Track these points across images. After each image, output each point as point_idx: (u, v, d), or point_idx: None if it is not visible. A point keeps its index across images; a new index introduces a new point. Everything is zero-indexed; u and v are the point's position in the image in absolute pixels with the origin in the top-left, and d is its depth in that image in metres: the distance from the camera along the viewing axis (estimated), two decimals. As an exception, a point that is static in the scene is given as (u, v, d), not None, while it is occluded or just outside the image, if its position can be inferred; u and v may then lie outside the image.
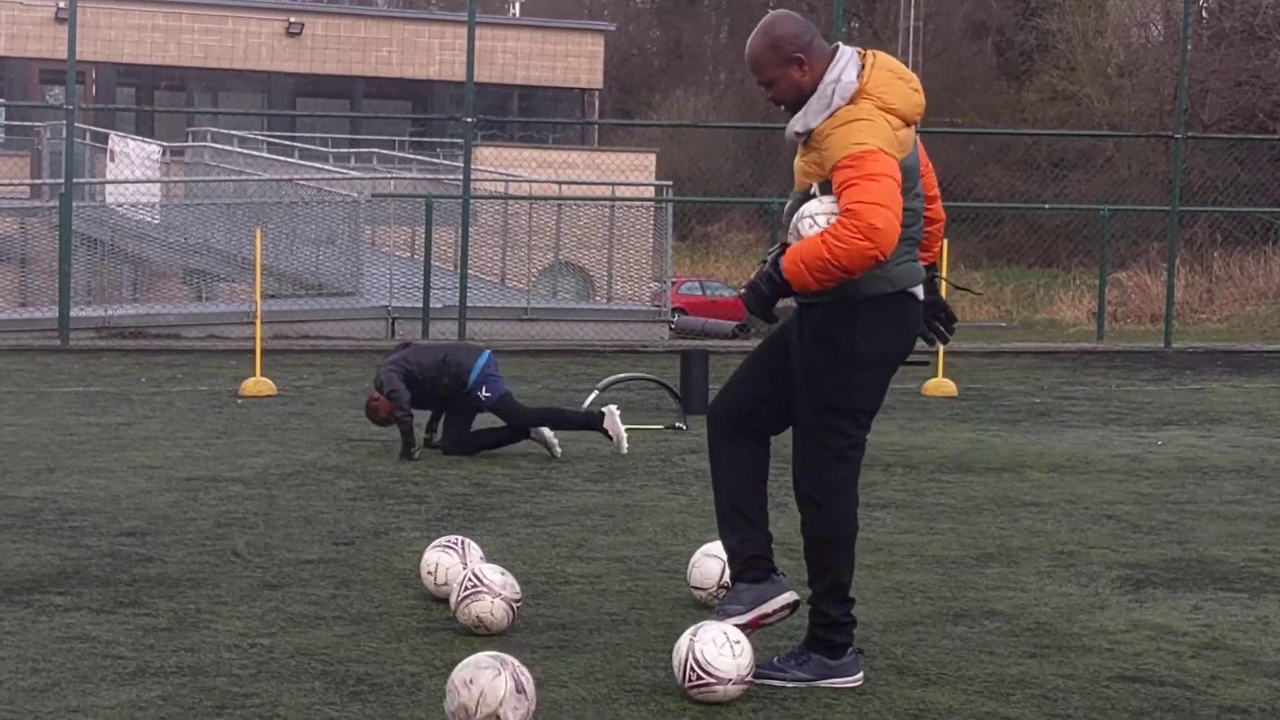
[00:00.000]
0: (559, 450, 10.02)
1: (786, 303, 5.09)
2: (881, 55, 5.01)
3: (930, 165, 5.19)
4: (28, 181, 27.10)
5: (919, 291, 5.05)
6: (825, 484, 5.04)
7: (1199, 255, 33.36)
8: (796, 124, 5.01)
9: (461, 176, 21.03)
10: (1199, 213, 31.02)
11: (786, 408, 5.17)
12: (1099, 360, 19.72)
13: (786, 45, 5.00)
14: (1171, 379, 16.98)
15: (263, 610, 5.82)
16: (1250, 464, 10.23)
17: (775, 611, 5.18)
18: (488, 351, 10.31)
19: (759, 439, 5.27)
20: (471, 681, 4.38)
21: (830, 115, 4.88)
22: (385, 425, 10.07)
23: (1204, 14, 43.35)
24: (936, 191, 5.22)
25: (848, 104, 4.87)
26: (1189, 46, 23.07)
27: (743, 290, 5.11)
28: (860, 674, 5.03)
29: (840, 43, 5.05)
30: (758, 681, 4.91)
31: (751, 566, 5.19)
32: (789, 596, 5.19)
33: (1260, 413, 13.46)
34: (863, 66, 4.93)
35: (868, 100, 4.87)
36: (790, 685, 4.98)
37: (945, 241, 16.12)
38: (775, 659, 5.09)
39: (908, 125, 4.94)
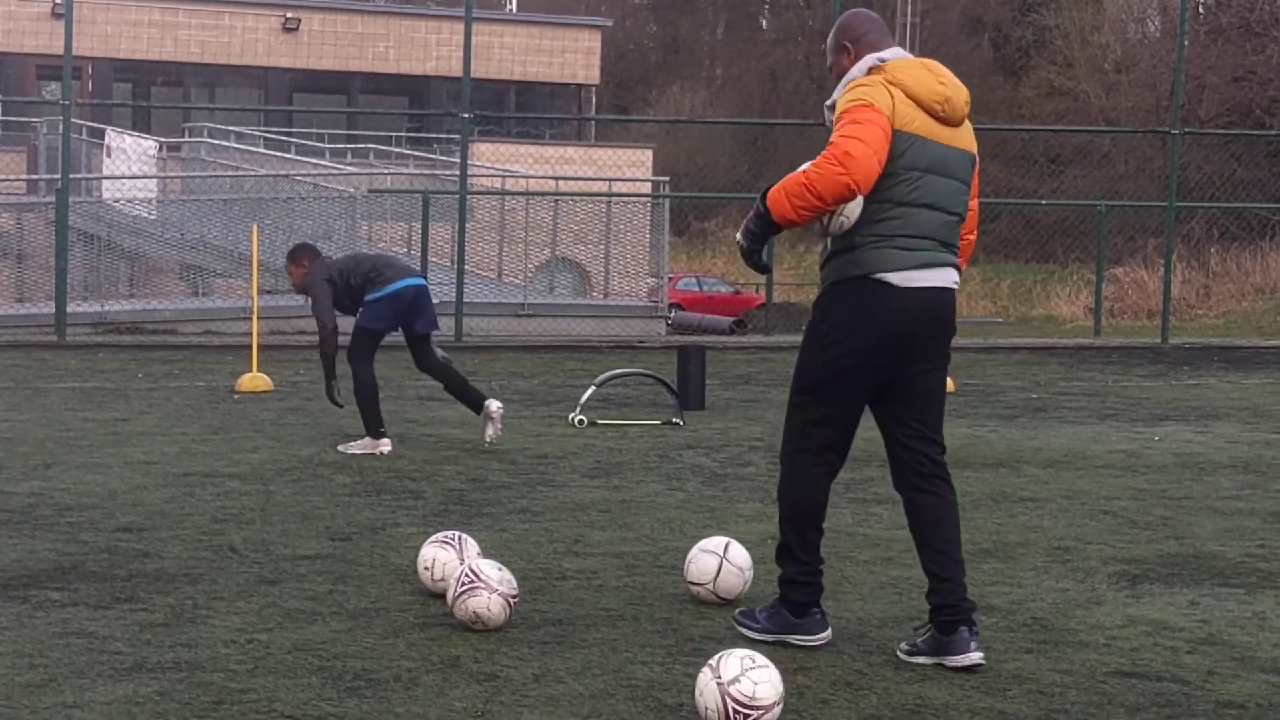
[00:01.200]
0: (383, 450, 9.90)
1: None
2: (928, 60, 5.30)
3: (973, 198, 5.36)
4: (24, 177, 27.06)
5: (896, 279, 5.12)
6: (784, 453, 5.41)
7: (1196, 251, 33.39)
8: (829, 101, 5.32)
9: (458, 172, 21.02)
10: (1196, 209, 31.04)
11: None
12: (1096, 356, 19.73)
13: (842, 34, 5.35)
14: (1168, 375, 16.99)
15: (259, 606, 5.82)
16: (1247, 459, 10.24)
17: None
18: (413, 282, 10.15)
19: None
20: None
21: (846, 86, 5.21)
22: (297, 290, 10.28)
23: (1200, 10, 43.35)
24: (970, 234, 5.43)
25: (863, 76, 5.20)
26: (1185, 42, 23.06)
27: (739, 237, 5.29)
28: (823, 634, 5.33)
29: (898, 48, 5.33)
30: (741, 633, 5.37)
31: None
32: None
33: (1257, 408, 13.47)
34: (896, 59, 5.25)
35: (881, 75, 5.17)
36: (756, 636, 5.35)
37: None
38: (756, 609, 5.48)
39: (926, 112, 5.14)
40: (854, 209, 5.10)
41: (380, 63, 36.02)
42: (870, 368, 5.21)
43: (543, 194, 24.68)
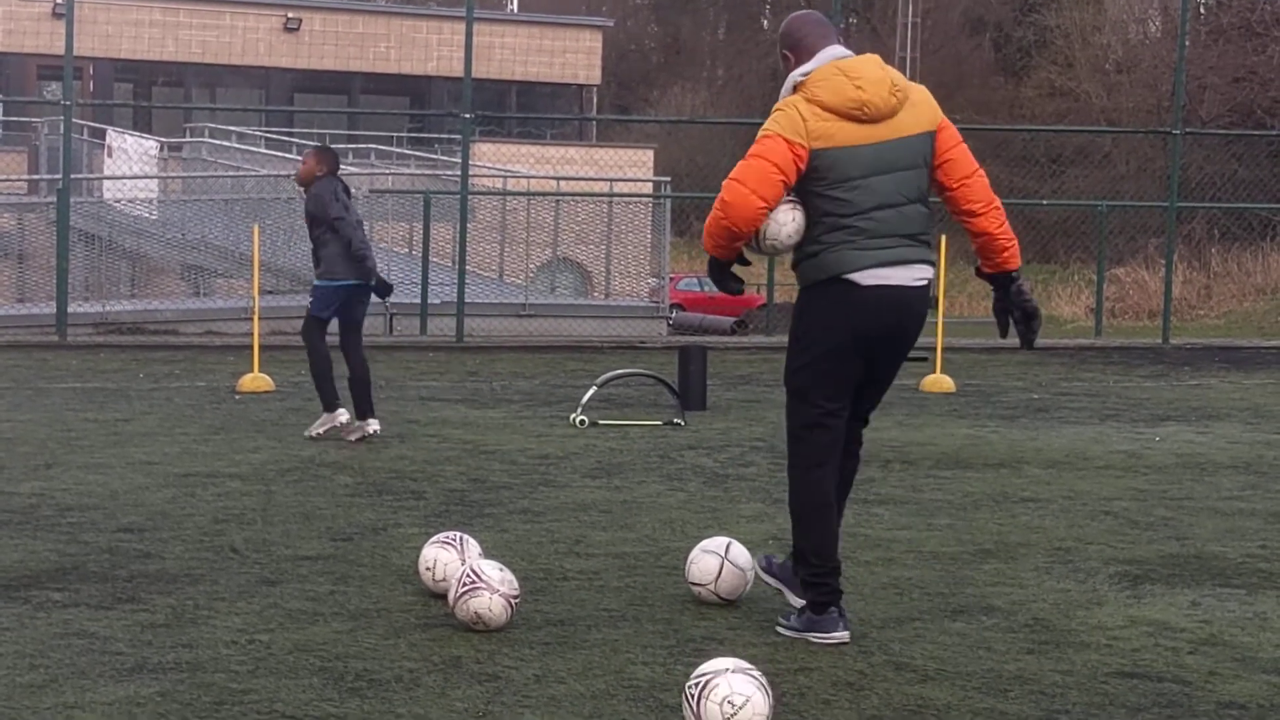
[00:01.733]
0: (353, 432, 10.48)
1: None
2: (860, 58, 5.37)
3: (962, 170, 5.42)
4: (25, 177, 27.07)
5: (860, 278, 5.27)
6: (790, 458, 5.53)
7: (1197, 251, 33.39)
8: None
9: (459, 172, 21.02)
10: (1197, 209, 31.04)
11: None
12: (1097, 356, 19.73)
13: (781, 42, 5.49)
14: (1169, 375, 16.99)
15: (261, 606, 5.82)
16: (1248, 460, 10.24)
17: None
18: (353, 284, 10.63)
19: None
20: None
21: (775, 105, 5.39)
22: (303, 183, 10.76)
23: (1202, 10, 43.35)
24: (972, 204, 5.46)
25: (785, 96, 5.37)
26: (1187, 42, 23.06)
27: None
28: (841, 633, 5.41)
29: (836, 45, 5.38)
30: (781, 630, 5.50)
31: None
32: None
33: (1258, 409, 13.47)
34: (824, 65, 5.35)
35: (801, 93, 5.31)
36: (787, 634, 5.49)
37: (944, 237, 16.23)
38: (791, 613, 5.59)
39: (847, 119, 5.24)
40: (778, 230, 5.30)
41: (381, 63, 36.02)
42: (846, 364, 5.38)
43: (544, 194, 24.67)
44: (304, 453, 9.84)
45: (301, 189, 11.01)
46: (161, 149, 25.78)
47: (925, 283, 5.41)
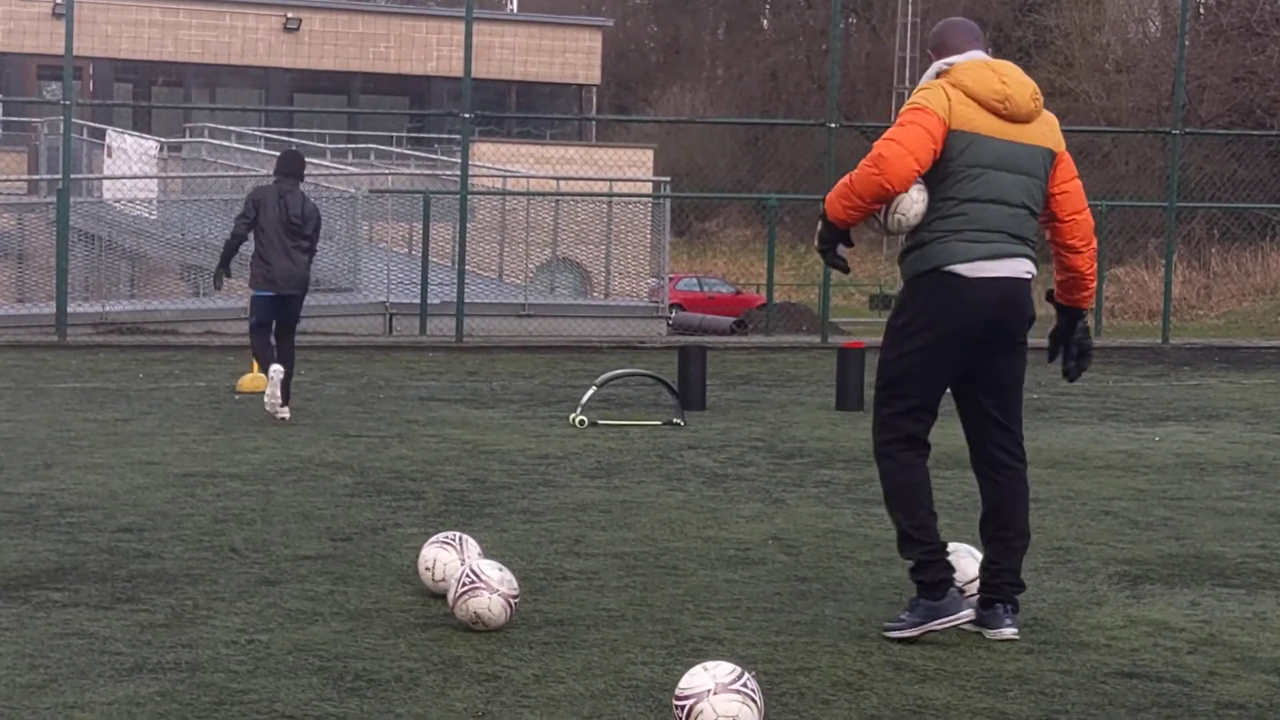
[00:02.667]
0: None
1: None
2: (1004, 62, 5.53)
3: (1075, 205, 5.55)
4: (25, 177, 27.06)
5: (964, 270, 5.34)
6: (875, 446, 5.61)
7: (1196, 251, 33.40)
8: None
9: (459, 172, 21.02)
10: (1196, 209, 31.04)
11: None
12: (1096, 356, 19.62)
13: (929, 42, 5.69)
14: (1169, 375, 16.99)
15: (260, 606, 5.82)
16: (1248, 460, 10.24)
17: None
18: (266, 294, 11.76)
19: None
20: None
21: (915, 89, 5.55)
22: None
23: (1201, 10, 43.35)
24: (1075, 240, 5.57)
25: (929, 80, 5.49)
26: (1186, 42, 23.07)
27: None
28: (967, 611, 5.41)
29: (981, 51, 5.55)
30: (887, 637, 5.43)
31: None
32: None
33: (1258, 408, 13.47)
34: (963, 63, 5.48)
35: (946, 78, 5.44)
36: (907, 632, 5.41)
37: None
38: (899, 613, 5.53)
39: (988, 110, 5.36)
40: (909, 207, 5.38)
41: (381, 63, 36.03)
42: (947, 357, 5.42)
43: (543, 194, 24.67)
44: (303, 453, 9.84)
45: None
46: (161, 149, 25.77)
47: (1029, 276, 5.47)
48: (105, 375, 14.82)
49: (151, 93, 35.61)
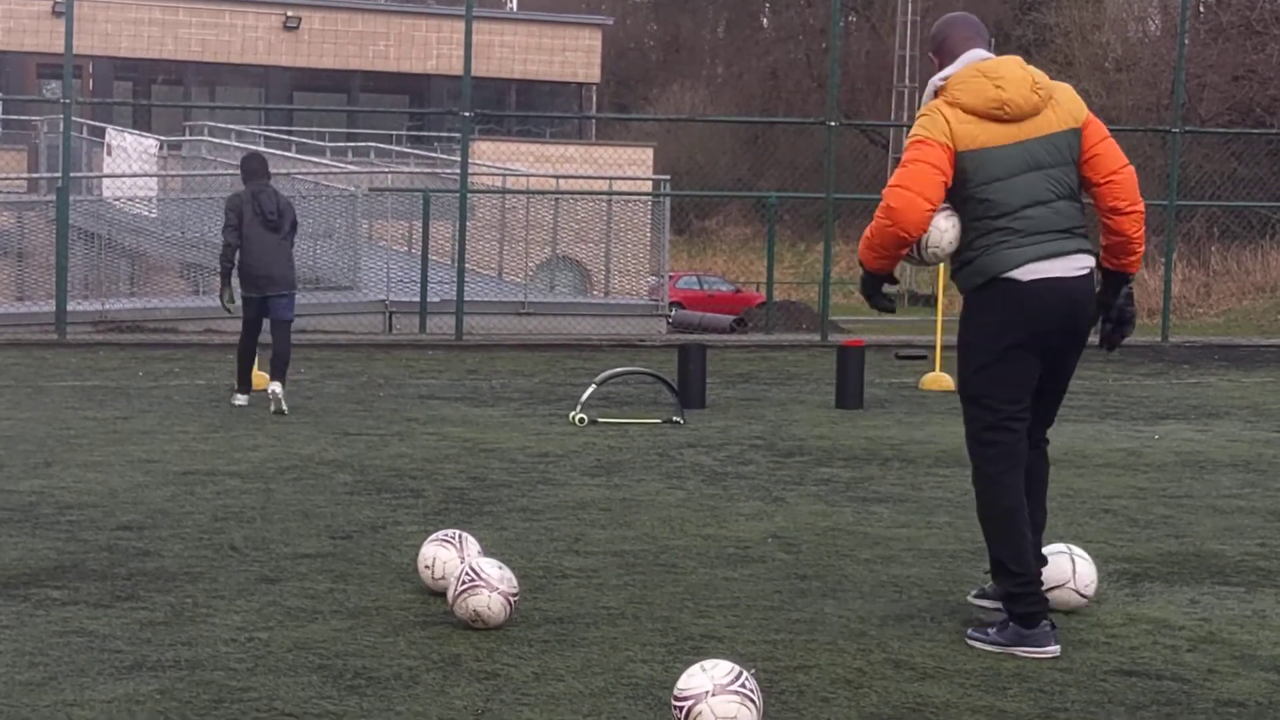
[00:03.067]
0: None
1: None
2: (1000, 59, 5.43)
3: (1109, 165, 5.43)
4: (25, 175, 27.06)
5: (1019, 274, 5.28)
6: (972, 468, 5.53)
7: (1196, 250, 33.41)
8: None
9: (459, 171, 21.02)
10: (1196, 207, 31.04)
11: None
12: (1095, 354, 19.67)
13: (930, 44, 5.63)
14: (1168, 373, 16.99)
15: (260, 604, 5.83)
16: (1247, 458, 10.24)
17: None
18: (253, 295, 12.22)
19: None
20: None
21: (920, 110, 5.48)
22: None
23: (1201, 8, 43.32)
24: (1117, 202, 5.42)
25: (928, 101, 5.47)
26: (1186, 41, 23.06)
27: None
28: (1055, 647, 5.28)
29: (979, 49, 5.47)
30: (974, 643, 5.39)
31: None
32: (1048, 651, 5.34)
33: (1257, 407, 13.47)
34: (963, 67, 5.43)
35: (943, 97, 5.40)
36: (987, 647, 5.34)
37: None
38: (989, 625, 5.46)
39: (989, 120, 5.31)
40: (940, 238, 5.34)
41: (381, 61, 36.02)
42: (1022, 363, 5.37)
43: (543, 193, 24.66)
44: (303, 451, 9.85)
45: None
46: (161, 147, 25.76)
47: (1087, 271, 5.40)
48: (105, 373, 14.82)
49: (151, 91, 35.60)
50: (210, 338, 19.13)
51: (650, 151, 34.37)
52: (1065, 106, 5.41)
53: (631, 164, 31.50)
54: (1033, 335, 5.34)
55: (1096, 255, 5.47)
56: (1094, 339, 5.64)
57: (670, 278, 25.76)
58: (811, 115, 43.41)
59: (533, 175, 26.07)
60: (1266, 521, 7.93)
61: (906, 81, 50.43)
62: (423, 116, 35.92)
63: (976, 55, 5.46)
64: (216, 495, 8.17)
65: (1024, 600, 5.32)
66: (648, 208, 24.72)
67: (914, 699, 4.82)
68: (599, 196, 24.74)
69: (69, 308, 18.95)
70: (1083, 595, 5.85)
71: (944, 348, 15.31)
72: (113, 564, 6.47)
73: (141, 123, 31.66)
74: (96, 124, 26.92)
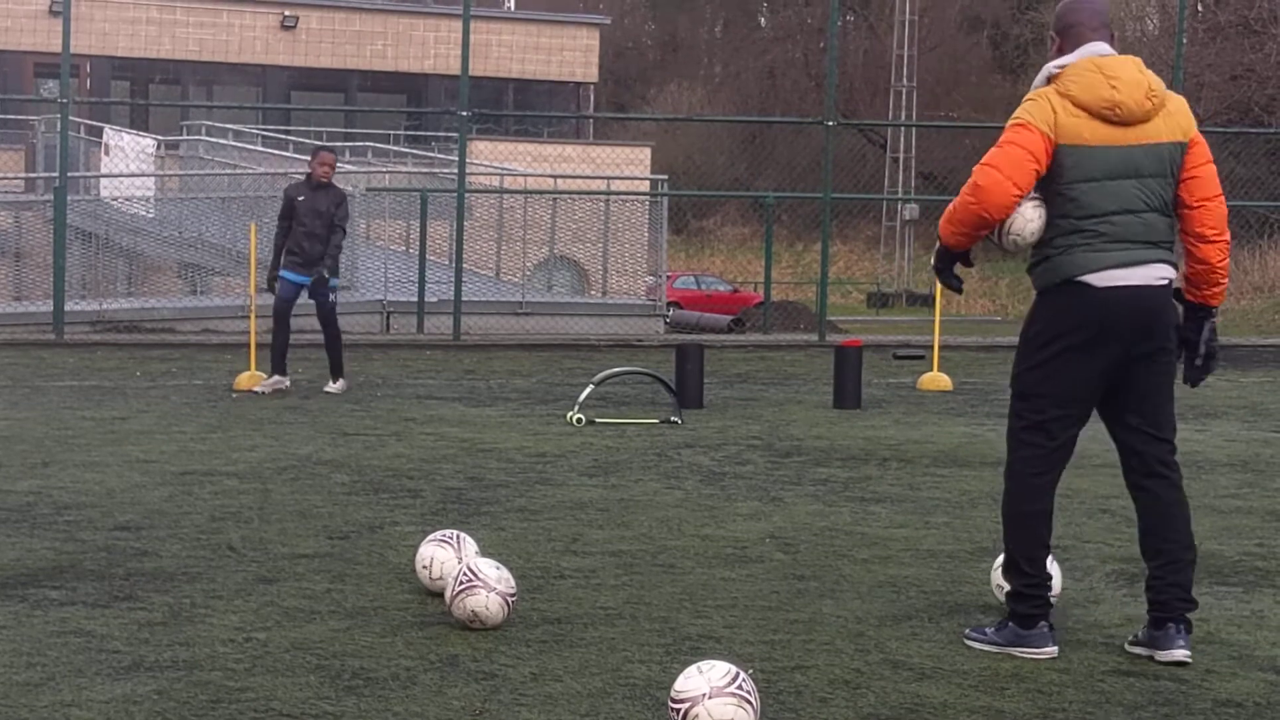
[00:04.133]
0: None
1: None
2: (1120, 58, 5.27)
3: (1205, 190, 5.28)
4: (22, 175, 27.04)
5: (1093, 279, 5.17)
6: (1007, 462, 5.48)
7: (1194, 249, 33.32)
8: None
9: (456, 170, 21.02)
10: (1194, 207, 30.98)
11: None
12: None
13: (1054, 23, 5.44)
14: (1166, 373, 16.95)
15: (258, 604, 5.82)
16: (1245, 458, 10.24)
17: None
18: (288, 276, 13.20)
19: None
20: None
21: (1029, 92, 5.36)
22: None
23: (1199, 8, 43.35)
24: (1205, 229, 5.31)
25: (1038, 88, 5.29)
26: (1184, 40, 23.07)
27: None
28: (1052, 649, 5.28)
29: (1101, 42, 5.30)
30: (972, 643, 5.40)
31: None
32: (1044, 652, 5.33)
33: (1255, 407, 13.47)
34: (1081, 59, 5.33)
35: (1055, 85, 5.24)
36: (984, 647, 5.35)
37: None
38: (986, 625, 5.50)
39: (1098, 119, 5.16)
40: (1024, 226, 5.22)
41: (378, 61, 36.02)
42: (1080, 370, 5.25)
43: (541, 192, 24.66)
44: (301, 451, 9.84)
45: (311, 187, 13.20)
46: (158, 147, 25.74)
47: (1166, 282, 5.27)
48: (103, 373, 14.81)
49: (149, 91, 35.58)
50: (208, 338, 19.13)
51: (648, 151, 34.37)
52: (1176, 118, 5.27)
53: (629, 164, 31.49)
54: (1097, 343, 5.21)
55: (1178, 268, 5.35)
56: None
57: (668, 278, 25.77)
58: (809, 115, 43.43)
59: (530, 175, 26.07)
60: (1264, 522, 7.93)
61: (904, 81, 50.45)
62: (420, 116, 35.91)
63: (1098, 49, 5.27)
64: (214, 495, 8.17)
65: (1028, 601, 5.30)
66: (645, 207, 24.72)
67: (912, 699, 4.82)
68: (596, 196, 24.74)
69: (66, 307, 18.94)
70: None
71: (942, 348, 15.32)
72: (110, 564, 6.47)
73: (139, 122, 31.63)
74: (94, 123, 26.90)
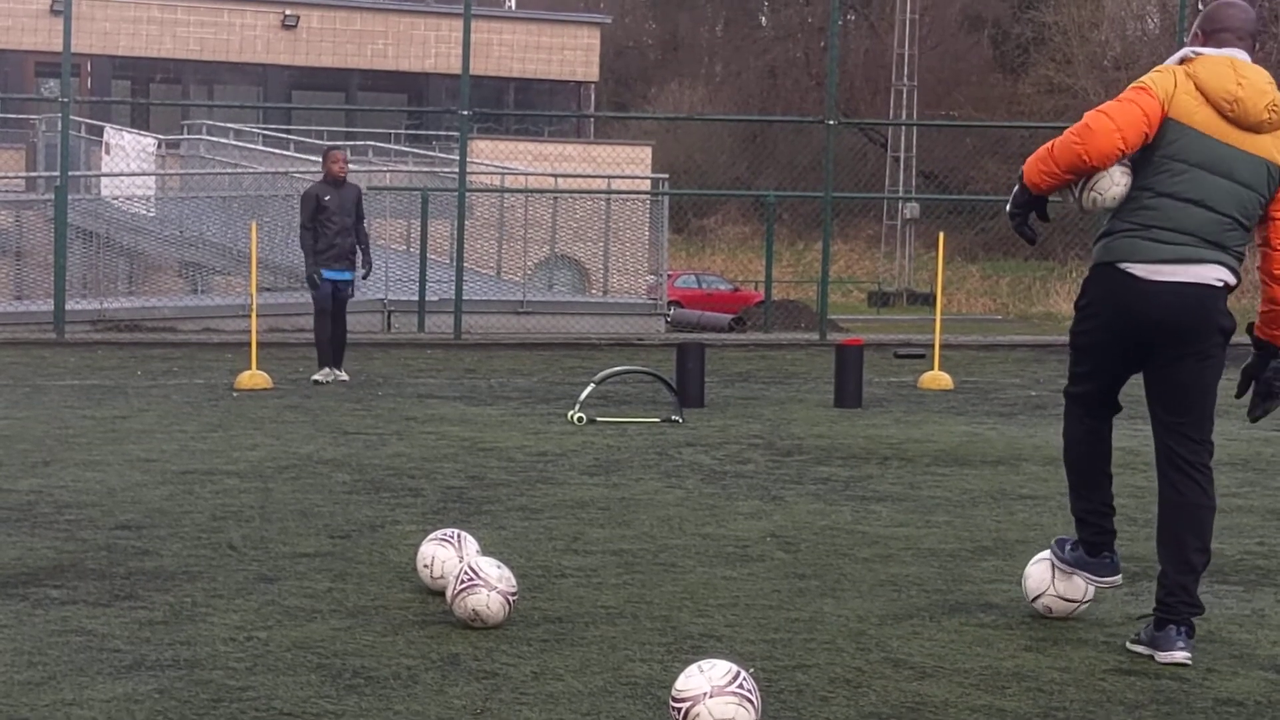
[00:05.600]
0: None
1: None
2: (1254, 65, 5.27)
3: None
4: (23, 174, 27.05)
5: (1140, 270, 5.20)
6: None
7: (1194, 248, 33.33)
8: None
9: (457, 169, 21.02)
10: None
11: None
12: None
13: (1201, 20, 5.43)
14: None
15: (259, 604, 5.82)
16: (1245, 457, 10.24)
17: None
18: (331, 274, 13.86)
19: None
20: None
21: None
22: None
23: (1200, 6, 43.36)
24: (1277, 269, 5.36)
25: (1174, 64, 5.29)
26: (1185, 40, 23.06)
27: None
28: (1115, 577, 5.64)
29: (1241, 50, 5.28)
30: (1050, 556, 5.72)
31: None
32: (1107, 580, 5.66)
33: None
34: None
35: (1186, 66, 5.25)
36: (1057, 564, 5.70)
37: (941, 235, 16.20)
38: (1067, 540, 5.75)
39: (1214, 108, 5.14)
40: (1108, 187, 5.22)
41: (379, 60, 36.01)
42: (1111, 349, 5.42)
43: (542, 191, 24.66)
44: (302, 450, 9.84)
45: (334, 185, 13.86)
46: (159, 146, 25.75)
47: (1218, 283, 5.27)
48: (103, 372, 14.82)
49: (149, 90, 35.58)
50: (209, 337, 19.14)
51: (649, 150, 34.36)
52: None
53: (630, 163, 31.48)
54: (1128, 329, 5.29)
55: (1236, 272, 5.35)
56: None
57: (669, 276, 25.75)
58: (810, 114, 43.41)
59: (531, 174, 26.07)
60: (1265, 520, 7.94)
61: (905, 80, 50.43)
62: (421, 115, 35.91)
63: (1238, 54, 5.26)
64: (215, 494, 8.17)
65: (1088, 527, 5.60)
66: (646, 206, 24.72)
67: (913, 698, 4.82)
68: (597, 195, 24.74)
69: (67, 307, 18.96)
70: (1068, 600, 5.77)
71: (942, 347, 15.32)
72: (111, 563, 6.47)
73: (140, 121, 31.64)
74: (95, 123, 26.91)
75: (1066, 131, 5.24)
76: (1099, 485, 5.63)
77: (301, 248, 14.04)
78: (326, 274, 13.81)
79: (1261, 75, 5.24)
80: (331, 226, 13.69)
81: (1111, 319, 5.33)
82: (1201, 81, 5.17)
